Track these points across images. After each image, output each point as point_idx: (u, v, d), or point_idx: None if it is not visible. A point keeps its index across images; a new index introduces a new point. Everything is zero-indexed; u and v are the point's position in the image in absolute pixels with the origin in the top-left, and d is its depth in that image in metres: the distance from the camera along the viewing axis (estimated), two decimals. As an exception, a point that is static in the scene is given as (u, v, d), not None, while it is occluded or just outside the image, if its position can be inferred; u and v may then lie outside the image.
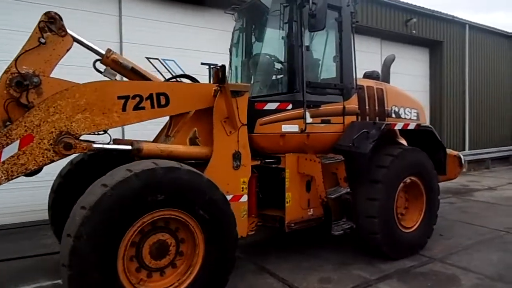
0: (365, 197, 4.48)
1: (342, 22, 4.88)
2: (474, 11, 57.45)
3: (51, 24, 3.29)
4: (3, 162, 2.91)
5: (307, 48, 4.57)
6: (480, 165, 13.84)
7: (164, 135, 4.47)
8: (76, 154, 4.00)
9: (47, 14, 3.31)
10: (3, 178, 2.92)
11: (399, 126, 4.96)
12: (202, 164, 3.76)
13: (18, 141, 2.95)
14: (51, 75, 3.38)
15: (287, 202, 4.44)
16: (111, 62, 3.94)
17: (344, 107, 4.84)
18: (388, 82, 6.08)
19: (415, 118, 5.97)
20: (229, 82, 5.24)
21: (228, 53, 5.57)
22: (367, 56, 10.26)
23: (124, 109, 3.40)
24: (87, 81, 3.67)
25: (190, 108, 3.91)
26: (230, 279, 3.44)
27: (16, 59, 3.16)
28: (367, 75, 5.90)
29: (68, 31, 3.44)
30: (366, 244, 4.71)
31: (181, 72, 7.12)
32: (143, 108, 3.50)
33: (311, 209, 4.69)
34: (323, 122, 4.66)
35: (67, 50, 3.45)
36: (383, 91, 5.55)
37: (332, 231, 4.39)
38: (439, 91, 13.06)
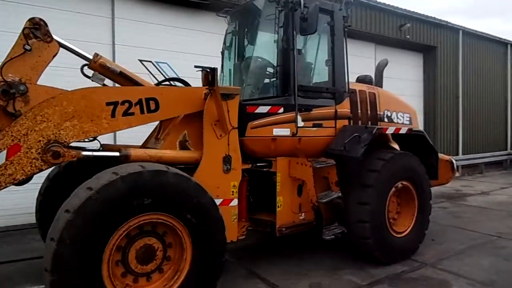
0: (356, 201, 4.46)
1: (335, 26, 4.87)
2: (470, 17, 58.16)
3: (36, 30, 3.25)
4: None
5: (299, 51, 4.56)
6: (474, 169, 13.91)
7: (154, 137, 4.43)
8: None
9: (31, 20, 3.26)
10: None
11: (390, 130, 4.94)
12: (192, 168, 3.72)
13: (5, 151, 2.90)
14: (38, 82, 3.34)
15: (278, 206, 4.40)
16: (99, 67, 3.89)
17: (336, 111, 4.82)
18: (381, 86, 6.08)
19: (407, 122, 5.97)
20: (221, 85, 5.24)
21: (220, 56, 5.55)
22: (361, 60, 10.29)
23: (113, 115, 3.35)
24: (80, 83, 3.65)
25: (180, 112, 3.87)
26: (220, 284, 3.40)
27: (1, 67, 3.10)
28: (360, 79, 5.89)
29: (54, 36, 3.39)
30: (358, 249, 4.68)
31: (174, 75, 7.14)
32: (132, 114, 3.46)
33: (303, 214, 4.66)
34: (314, 126, 4.64)
35: (53, 56, 3.41)
36: (375, 96, 5.54)
37: (323, 236, 4.36)
38: (433, 96, 13.12)
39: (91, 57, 3.90)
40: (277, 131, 4.36)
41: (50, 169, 4.40)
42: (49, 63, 3.38)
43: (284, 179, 4.47)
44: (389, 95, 5.91)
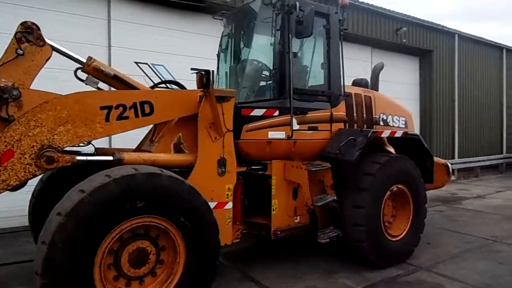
0: (351, 205, 4.45)
1: (330, 29, 4.88)
2: (466, 21, 58.52)
3: (28, 35, 3.22)
4: None
5: (295, 54, 4.55)
6: (470, 173, 13.95)
7: (149, 140, 4.41)
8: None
9: (23, 24, 3.24)
10: None
11: (386, 133, 4.95)
12: (187, 171, 3.70)
13: None
14: (32, 86, 3.31)
15: (273, 210, 4.39)
16: (93, 70, 3.86)
17: (331, 114, 4.82)
18: (377, 90, 6.09)
19: (403, 126, 5.98)
20: (216, 87, 5.23)
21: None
22: (358, 64, 10.30)
23: (107, 119, 3.33)
24: (74, 86, 3.63)
25: (175, 115, 3.85)
26: (215, 287, 3.37)
27: None
28: (356, 83, 5.90)
29: (47, 40, 3.37)
30: (353, 252, 4.67)
31: (170, 77, 7.13)
32: (127, 117, 3.44)
33: (298, 217, 4.65)
34: (310, 129, 4.63)
35: (46, 60, 3.38)
36: (371, 99, 5.55)
37: (318, 239, 4.34)
38: (429, 100, 13.17)
39: (84, 60, 3.86)
40: (272, 134, 4.35)
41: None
42: (42, 67, 3.36)
43: (279, 182, 4.46)
44: (384, 99, 5.92)
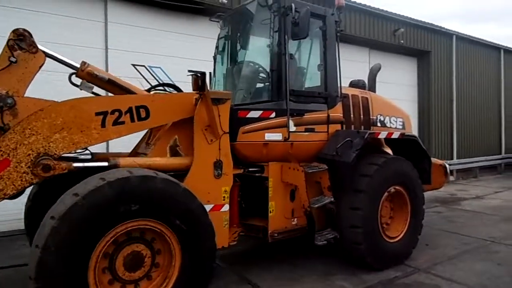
0: (348, 206, 4.44)
1: (327, 31, 4.87)
2: (465, 22, 58.63)
3: (20, 42, 3.21)
4: None
5: (291, 56, 4.55)
6: (468, 174, 13.95)
7: (145, 142, 4.40)
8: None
9: (15, 31, 3.22)
10: None
11: (383, 135, 4.94)
12: (184, 174, 3.68)
13: None
14: (26, 92, 3.30)
15: (270, 212, 4.37)
16: (87, 75, 3.84)
17: (328, 116, 4.81)
18: (374, 91, 6.09)
19: (400, 127, 5.97)
20: (213, 89, 5.22)
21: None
22: (355, 65, 10.33)
23: (103, 125, 3.31)
24: (70, 91, 3.60)
25: (171, 119, 3.83)
26: (212, 290, 3.36)
27: None
28: (353, 84, 5.90)
29: (40, 46, 3.35)
30: (350, 254, 4.65)
31: (167, 79, 7.13)
32: (122, 122, 3.43)
33: (295, 219, 4.63)
34: (307, 130, 4.62)
35: (40, 67, 3.37)
36: (368, 100, 5.54)
37: (315, 241, 4.31)
38: (427, 100, 13.17)
39: (78, 65, 3.84)
40: (269, 136, 4.34)
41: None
42: (35, 74, 3.34)
43: (276, 184, 4.44)
44: (382, 100, 5.91)
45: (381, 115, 5.68)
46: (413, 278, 4.43)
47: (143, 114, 3.54)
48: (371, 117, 5.51)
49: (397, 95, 11.33)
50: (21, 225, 4.67)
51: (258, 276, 4.47)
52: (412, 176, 5.04)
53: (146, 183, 2.94)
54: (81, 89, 3.89)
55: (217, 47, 5.46)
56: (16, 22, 6.22)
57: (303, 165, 4.48)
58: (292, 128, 4.43)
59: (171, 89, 4.77)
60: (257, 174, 4.46)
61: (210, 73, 5.48)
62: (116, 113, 3.39)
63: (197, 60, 7.31)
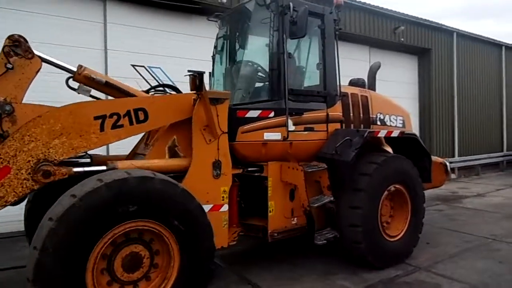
0: (348, 205, 4.42)
1: (325, 29, 4.85)
2: (465, 19, 58.39)
3: (16, 48, 3.20)
4: None
5: (290, 55, 4.53)
6: (470, 171, 13.90)
7: (143, 143, 4.40)
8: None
9: (10, 37, 3.21)
10: None
11: (382, 133, 4.92)
12: (183, 175, 3.68)
13: None
14: (25, 98, 3.30)
15: (270, 211, 4.37)
16: (84, 79, 3.82)
17: (327, 115, 4.79)
18: (374, 89, 6.07)
19: (400, 125, 5.95)
20: (212, 89, 5.22)
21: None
22: (356, 63, 10.29)
23: (102, 129, 3.32)
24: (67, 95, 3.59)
25: (170, 120, 3.83)
26: (212, 290, 3.36)
27: None
28: (353, 83, 5.88)
29: (35, 51, 3.35)
30: (350, 253, 4.64)
31: (167, 79, 7.12)
32: (121, 126, 3.43)
33: (295, 218, 4.62)
34: (306, 129, 4.61)
35: (37, 72, 3.37)
36: (367, 98, 5.52)
37: (315, 241, 4.30)
38: (428, 98, 13.13)
39: (75, 69, 3.82)
40: (268, 136, 4.33)
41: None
42: (32, 79, 3.34)
43: (275, 184, 4.44)
44: (381, 98, 5.89)
45: (381, 113, 5.66)
46: (414, 277, 4.42)
47: (141, 117, 3.55)
48: (370, 116, 5.50)
49: (398, 93, 11.30)
50: (22, 226, 4.68)
51: (258, 276, 4.46)
52: (412, 175, 5.02)
53: (144, 184, 2.93)
54: (78, 93, 3.88)
55: (215, 47, 5.45)
56: (13, 24, 6.31)
57: (303, 164, 4.46)
58: (291, 127, 4.42)
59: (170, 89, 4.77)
60: (256, 174, 4.45)
61: (209, 73, 5.48)
62: (115, 117, 3.39)
63: (197, 60, 7.31)
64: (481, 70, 15.00)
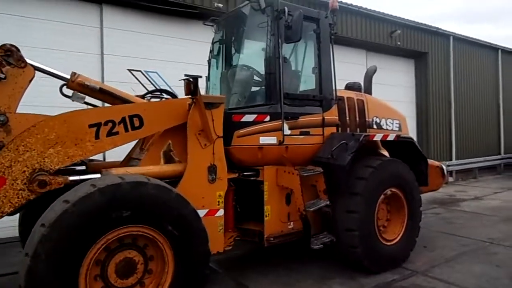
0: (344, 209, 4.41)
1: (321, 34, 4.87)
2: (462, 23, 58.68)
3: (8, 57, 3.20)
4: None
5: (285, 59, 4.54)
6: (468, 174, 13.91)
7: (139, 148, 4.39)
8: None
9: (2, 47, 3.21)
10: None
11: (378, 137, 4.92)
12: (178, 180, 3.66)
13: None
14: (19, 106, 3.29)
15: (266, 216, 4.35)
16: (78, 86, 3.81)
17: (323, 119, 4.79)
18: (370, 93, 6.08)
19: (397, 129, 5.96)
20: (208, 94, 5.22)
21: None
22: (353, 67, 10.31)
23: (97, 137, 3.32)
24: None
25: (165, 126, 3.81)
26: (208, 296, 3.33)
27: None
28: (349, 86, 5.88)
29: (28, 60, 3.34)
30: (347, 258, 4.62)
31: (164, 84, 7.11)
32: (116, 133, 3.43)
33: (291, 223, 4.60)
34: (302, 134, 4.60)
35: (30, 81, 3.36)
36: (363, 102, 5.53)
37: (311, 245, 4.29)
38: (425, 102, 13.17)
39: (68, 76, 3.81)
40: (264, 140, 4.32)
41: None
42: (26, 88, 3.33)
43: (271, 188, 4.42)
44: (378, 102, 5.90)
45: (377, 117, 5.66)
46: (410, 281, 4.40)
47: (136, 123, 3.54)
48: (366, 120, 5.50)
49: (395, 96, 11.34)
50: (17, 232, 4.66)
51: (254, 280, 4.44)
52: (408, 178, 5.01)
53: (137, 189, 2.92)
54: (73, 100, 3.87)
55: (211, 51, 5.45)
56: (10, 28, 6.31)
57: (298, 168, 4.46)
58: (287, 131, 4.41)
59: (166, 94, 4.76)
60: (252, 178, 4.44)
61: (206, 77, 5.48)
62: (110, 124, 3.39)
63: (194, 64, 7.31)
64: (477, 73, 15.06)
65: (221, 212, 3.93)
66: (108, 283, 2.93)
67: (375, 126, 5.60)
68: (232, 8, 7.73)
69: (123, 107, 3.73)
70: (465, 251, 5.45)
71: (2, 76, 3.15)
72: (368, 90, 6.11)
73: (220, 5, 8.09)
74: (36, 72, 3.46)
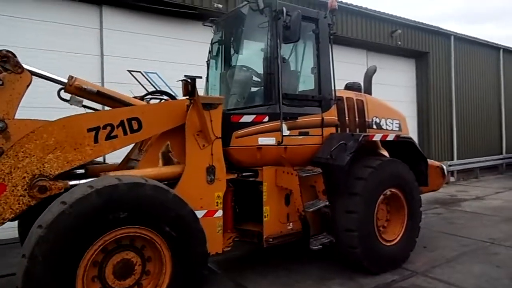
0: (343, 210, 4.40)
1: (320, 34, 4.86)
2: (464, 22, 58.56)
3: (5, 64, 3.20)
4: None
5: (284, 60, 4.54)
6: (469, 174, 13.86)
7: (137, 148, 4.40)
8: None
9: None
10: None
11: (377, 137, 4.90)
12: (177, 181, 3.66)
13: None
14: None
15: (265, 217, 4.34)
16: (75, 89, 3.81)
17: (322, 119, 4.78)
18: (370, 93, 6.06)
19: (397, 129, 5.94)
20: (207, 94, 5.22)
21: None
22: (353, 67, 10.29)
23: (96, 141, 3.32)
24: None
25: (164, 128, 3.80)
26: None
27: None
28: (349, 86, 5.87)
29: (25, 66, 3.34)
30: (346, 258, 4.60)
31: (164, 84, 7.12)
32: (115, 136, 3.43)
33: (291, 223, 4.59)
34: (301, 134, 4.59)
35: (27, 87, 3.36)
36: (363, 102, 5.52)
37: (310, 246, 4.27)
38: (426, 102, 13.13)
39: (65, 80, 3.80)
40: (262, 140, 4.31)
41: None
42: (24, 94, 3.34)
43: (270, 189, 4.41)
44: (377, 102, 5.88)
45: (376, 117, 5.65)
46: (410, 282, 4.38)
47: (135, 126, 3.54)
48: (366, 120, 5.48)
49: (395, 96, 11.32)
50: (17, 233, 4.67)
51: (253, 281, 4.43)
52: (408, 179, 4.99)
53: (135, 190, 2.92)
54: (71, 104, 3.87)
55: (210, 52, 5.45)
56: (9, 30, 6.32)
57: (297, 169, 4.45)
58: (286, 132, 4.41)
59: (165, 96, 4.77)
60: (251, 179, 4.43)
61: (206, 78, 5.48)
62: (108, 128, 3.39)
63: (194, 65, 7.30)
64: (479, 73, 15.01)
65: (219, 213, 3.93)
66: (106, 284, 2.92)
67: (374, 126, 5.59)
68: (232, 9, 7.75)
69: (122, 110, 3.72)
70: (466, 251, 5.43)
71: (0, 82, 3.15)
72: (368, 90, 6.09)
73: (220, 5, 8.09)
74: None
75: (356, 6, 10.81)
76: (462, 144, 14.08)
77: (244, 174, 4.41)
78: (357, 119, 5.38)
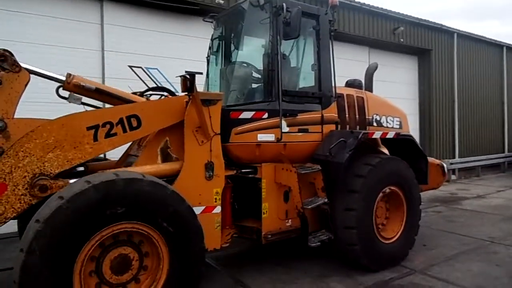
0: (342, 207, 4.39)
1: (320, 30, 4.83)
2: (468, 20, 58.20)
3: (2, 63, 3.20)
4: None
5: (284, 56, 4.51)
6: (471, 173, 13.83)
7: (136, 144, 4.39)
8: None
9: None
10: None
11: (377, 135, 4.88)
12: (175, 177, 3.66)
13: None
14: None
15: (263, 213, 4.34)
16: (74, 87, 3.80)
17: (322, 116, 4.76)
18: (371, 90, 6.03)
19: (397, 126, 5.91)
20: (207, 91, 5.20)
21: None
22: (355, 64, 10.24)
23: (95, 139, 3.33)
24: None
25: (163, 124, 3.79)
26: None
27: None
28: (349, 84, 5.84)
29: (22, 64, 3.34)
30: (345, 256, 4.60)
31: (164, 80, 7.11)
32: (115, 134, 3.44)
33: (289, 220, 4.59)
34: (300, 131, 4.58)
35: (26, 85, 3.36)
36: (363, 100, 5.49)
37: (309, 243, 4.27)
38: (428, 99, 13.07)
39: (63, 78, 3.80)
40: (262, 137, 4.30)
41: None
42: (22, 93, 3.34)
43: (269, 185, 4.41)
44: (378, 99, 5.85)
45: (377, 114, 5.62)
46: (408, 280, 4.38)
47: (134, 123, 3.54)
48: (366, 117, 5.46)
49: (398, 93, 11.29)
50: (16, 227, 4.68)
51: (252, 278, 4.43)
52: (407, 176, 4.98)
53: (132, 186, 2.91)
54: (69, 102, 3.86)
55: (210, 48, 5.43)
56: (10, 25, 6.32)
57: (297, 166, 4.43)
58: (285, 128, 4.39)
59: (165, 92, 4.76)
60: (250, 175, 4.43)
61: (205, 74, 5.46)
62: (108, 126, 3.39)
63: (195, 61, 7.29)
64: (482, 70, 14.93)
65: (218, 209, 3.93)
66: (103, 279, 2.93)
67: (375, 124, 5.56)
68: (233, 4, 7.72)
69: (120, 108, 3.71)
70: (465, 250, 5.41)
71: None
72: (369, 88, 6.06)
73: (221, 1, 8.05)
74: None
75: (358, 2, 10.76)
76: (464, 142, 14.03)
77: (243, 170, 4.40)
78: (357, 116, 5.35)
